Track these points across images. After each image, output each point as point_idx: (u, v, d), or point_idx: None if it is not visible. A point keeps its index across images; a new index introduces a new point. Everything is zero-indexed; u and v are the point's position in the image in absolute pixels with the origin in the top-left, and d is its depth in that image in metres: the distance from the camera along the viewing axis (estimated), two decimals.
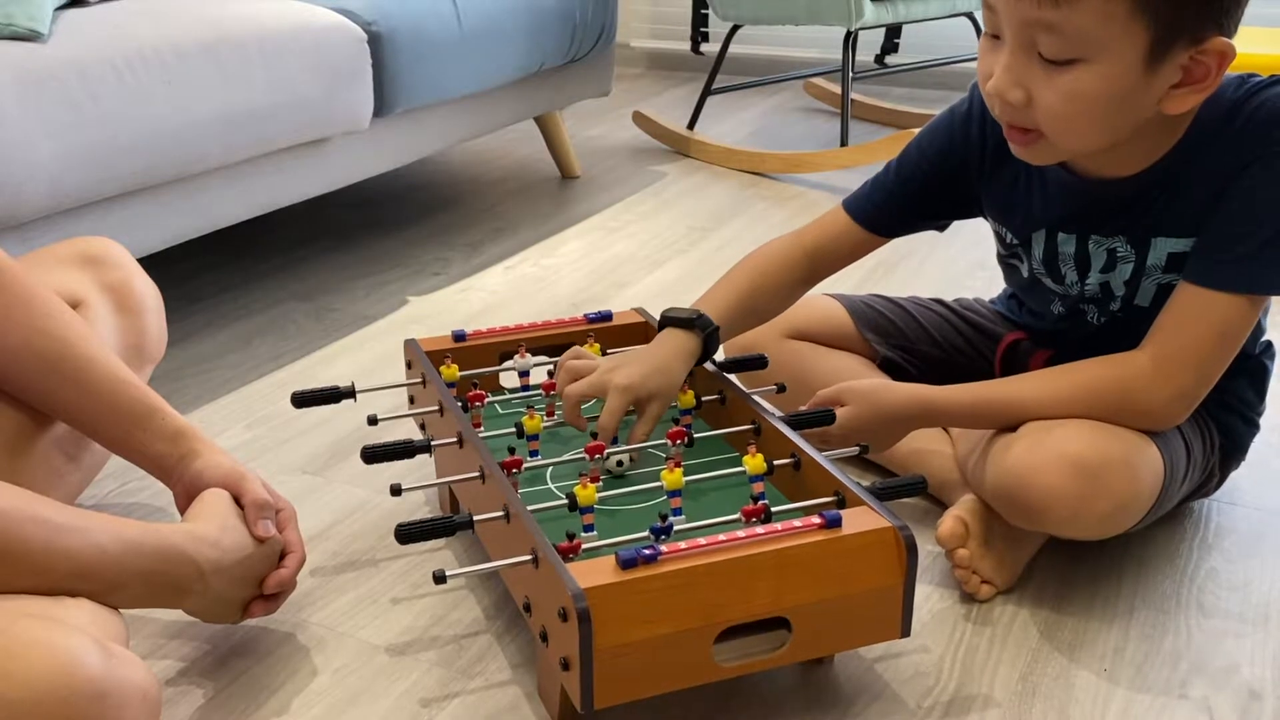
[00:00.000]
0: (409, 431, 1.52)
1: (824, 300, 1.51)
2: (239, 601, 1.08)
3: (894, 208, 1.34)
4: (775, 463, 1.15)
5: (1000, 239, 1.33)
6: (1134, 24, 1.01)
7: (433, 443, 1.24)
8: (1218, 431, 1.28)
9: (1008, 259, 1.34)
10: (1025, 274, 1.31)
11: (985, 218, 1.34)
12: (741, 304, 1.33)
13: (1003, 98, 1.08)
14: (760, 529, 1.00)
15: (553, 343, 1.43)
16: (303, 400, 1.31)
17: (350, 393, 1.32)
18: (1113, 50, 1.02)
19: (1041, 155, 1.14)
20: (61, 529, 0.93)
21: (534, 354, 1.41)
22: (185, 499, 1.12)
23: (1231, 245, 1.12)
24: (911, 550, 1.00)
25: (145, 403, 1.13)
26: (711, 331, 1.26)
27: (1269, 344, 1.33)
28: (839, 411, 1.25)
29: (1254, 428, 1.33)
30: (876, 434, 1.26)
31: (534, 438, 1.24)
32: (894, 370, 1.46)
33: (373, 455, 1.19)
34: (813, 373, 1.42)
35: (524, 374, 1.38)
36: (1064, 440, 1.13)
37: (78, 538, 0.94)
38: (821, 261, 1.36)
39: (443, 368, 1.33)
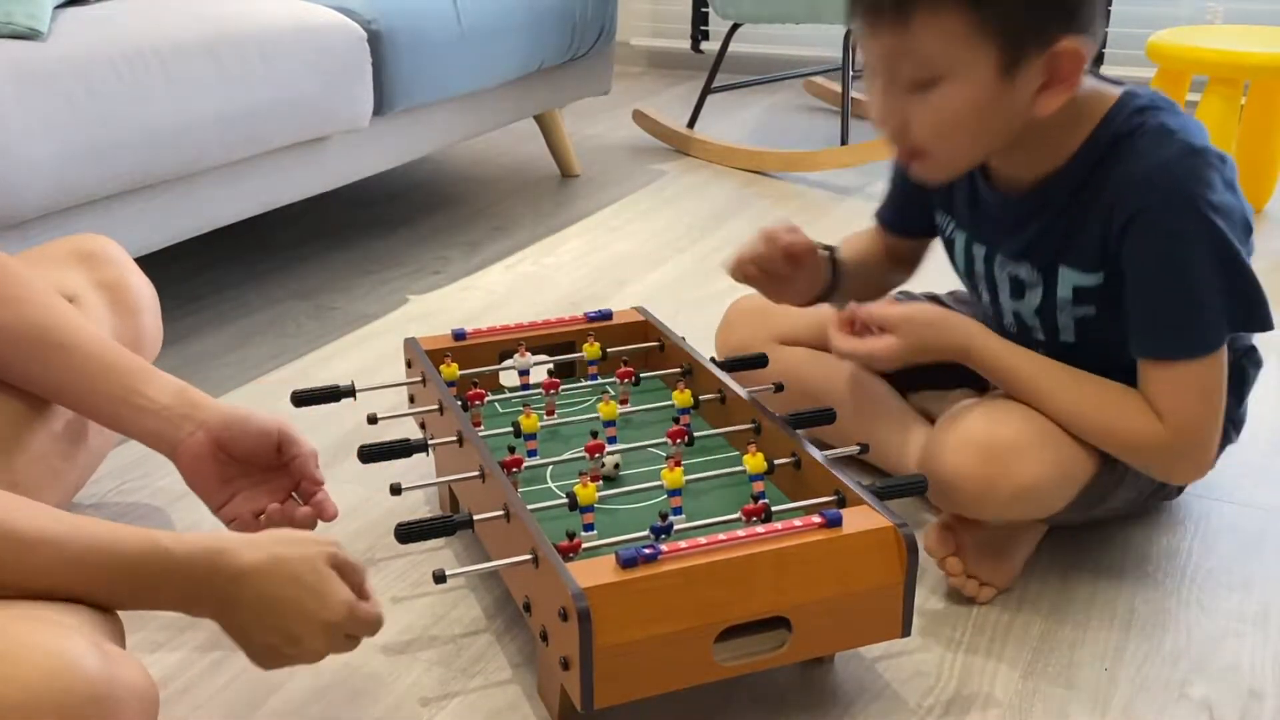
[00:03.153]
0: (409, 430, 1.52)
1: (818, 307, 1.51)
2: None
3: (895, 205, 1.40)
4: (775, 462, 1.15)
5: (943, 239, 1.35)
6: (976, 41, 1.05)
7: (430, 442, 1.24)
8: None
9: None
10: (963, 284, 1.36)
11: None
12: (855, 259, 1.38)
13: (882, 126, 1.14)
14: (760, 528, 1.00)
15: (553, 341, 1.43)
16: (303, 399, 1.31)
17: (350, 391, 1.32)
18: (966, 67, 1.07)
19: (932, 172, 1.18)
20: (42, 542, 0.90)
21: (534, 353, 1.41)
22: (205, 446, 1.10)
23: (1164, 317, 1.13)
24: (912, 549, 1.00)
25: (143, 364, 1.12)
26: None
27: (1253, 349, 1.30)
28: (885, 341, 1.20)
29: (1224, 434, 1.29)
30: (908, 359, 1.22)
31: (531, 437, 1.23)
32: (888, 373, 1.45)
33: (369, 455, 1.19)
34: (808, 378, 1.42)
35: (524, 373, 1.38)
36: (972, 422, 1.17)
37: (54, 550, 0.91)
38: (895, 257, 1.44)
39: (442, 366, 1.33)
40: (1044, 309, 1.22)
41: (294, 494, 1.16)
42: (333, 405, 1.52)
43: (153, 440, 1.12)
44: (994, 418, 1.17)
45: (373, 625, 0.98)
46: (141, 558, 0.89)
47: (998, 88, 1.07)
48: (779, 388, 1.34)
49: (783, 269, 1.27)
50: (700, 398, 1.29)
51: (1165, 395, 1.14)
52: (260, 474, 1.14)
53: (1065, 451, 1.17)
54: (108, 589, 0.90)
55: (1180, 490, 1.36)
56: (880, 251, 1.44)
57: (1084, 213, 1.16)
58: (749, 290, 1.36)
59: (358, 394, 1.33)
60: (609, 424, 1.27)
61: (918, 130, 1.11)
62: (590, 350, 1.39)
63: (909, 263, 1.44)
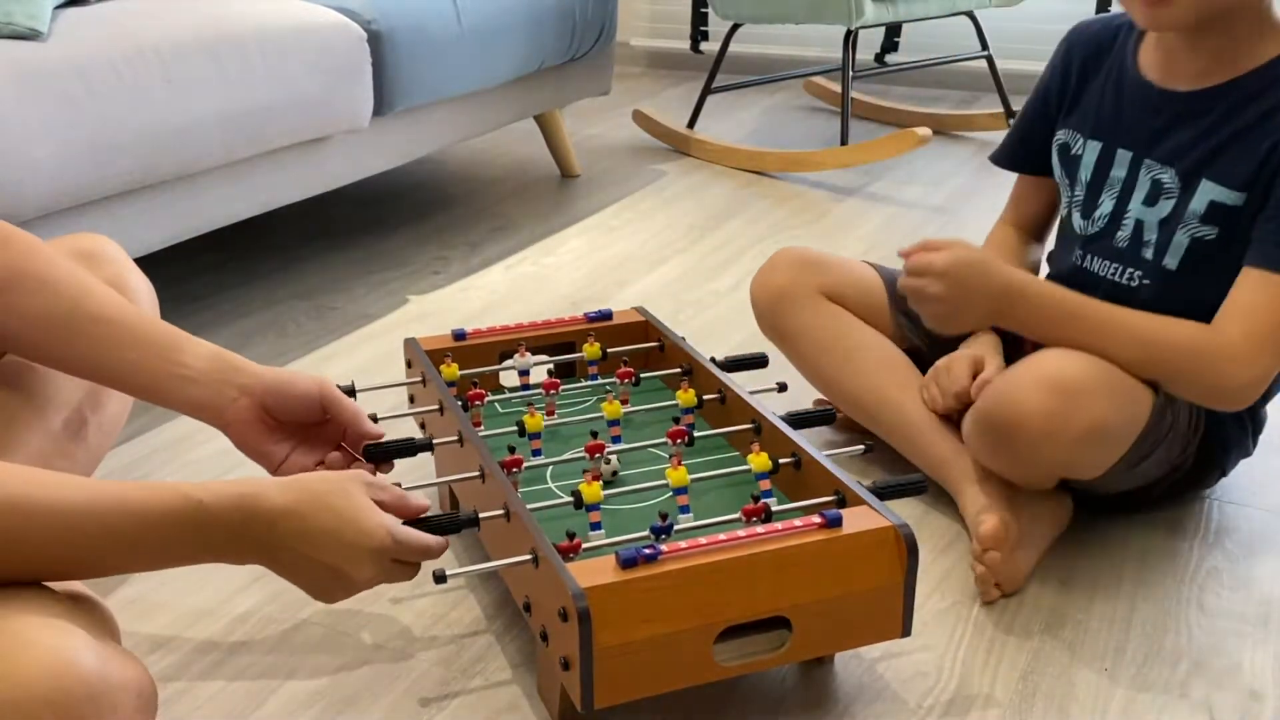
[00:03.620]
0: (409, 430, 1.51)
1: (863, 268, 1.50)
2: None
3: (1017, 143, 1.45)
4: (780, 461, 1.14)
5: (1063, 160, 1.35)
6: None
7: (433, 441, 1.24)
8: (1205, 413, 1.27)
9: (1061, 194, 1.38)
10: (1064, 208, 1.36)
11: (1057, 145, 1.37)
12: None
13: None
14: (760, 528, 1.00)
15: (553, 341, 1.43)
16: None
17: (350, 391, 1.32)
18: None
19: (1170, 17, 1.16)
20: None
21: (534, 353, 1.40)
22: (252, 412, 1.10)
23: None
24: (912, 550, 1.00)
25: (175, 331, 1.11)
26: None
27: None
28: (936, 256, 1.21)
29: (1244, 433, 1.32)
30: (960, 296, 1.22)
31: (535, 436, 1.23)
32: (916, 359, 1.44)
33: (375, 454, 1.19)
34: (840, 342, 1.43)
35: (524, 373, 1.38)
36: (1048, 360, 1.17)
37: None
38: (1027, 223, 1.45)
39: (443, 366, 1.33)
40: (1168, 220, 1.23)
41: (344, 445, 1.17)
42: None
43: (196, 410, 1.11)
44: (1062, 358, 1.17)
45: (421, 548, 1.00)
46: (176, 516, 0.90)
47: None
48: (783, 387, 1.34)
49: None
50: (703, 397, 1.29)
51: (1255, 304, 1.15)
52: (308, 429, 1.15)
53: (1128, 393, 1.18)
54: (147, 553, 0.91)
55: (1208, 482, 1.36)
56: (1013, 246, 1.44)
57: (1251, 129, 1.17)
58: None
59: (358, 394, 1.32)
60: (613, 423, 1.26)
61: None
62: (590, 350, 1.39)
63: (1042, 224, 1.46)
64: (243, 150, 1.77)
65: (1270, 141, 1.16)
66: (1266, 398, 1.30)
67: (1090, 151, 1.31)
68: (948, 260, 1.21)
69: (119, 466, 1.47)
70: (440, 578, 1.00)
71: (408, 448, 1.20)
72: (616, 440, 1.26)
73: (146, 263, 1.40)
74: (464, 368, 1.36)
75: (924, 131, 2.59)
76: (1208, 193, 1.20)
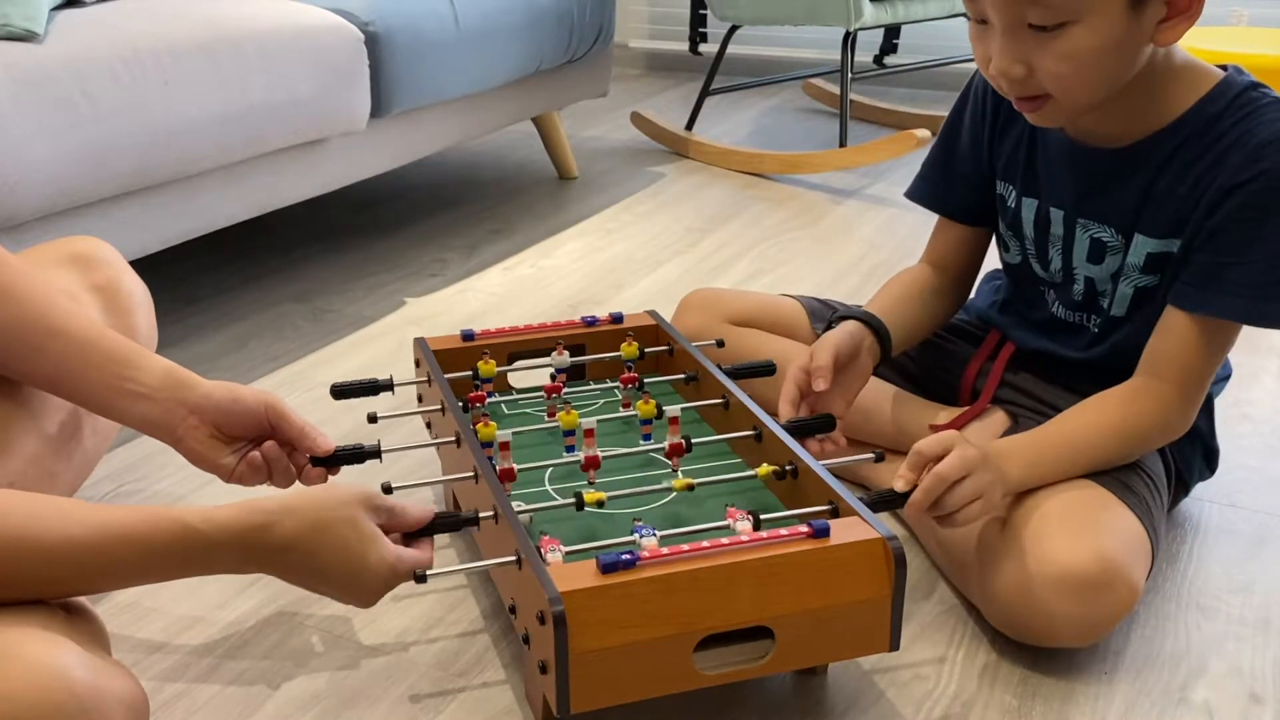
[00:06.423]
0: (415, 428, 1.51)
1: (777, 297, 1.54)
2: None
3: (939, 175, 1.39)
4: (781, 468, 1.14)
5: (1002, 211, 1.33)
6: None
7: (389, 448, 1.22)
8: (1177, 460, 1.28)
9: (1004, 242, 1.35)
10: (1018, 258, 1.33)
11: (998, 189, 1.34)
12: (889, 308, 1.34)
13: (1006, 76, 1.10)
14: (745, 536, 0.98)
15: (553, 344, 1.42)
16: (342, 392, 1.31)
17: (389, 385, 1.33)
18: (1097, 4, 1.05)
19: (1054, 117, 1.16)
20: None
21: (538, 355, 1.40)
22: (203, 430, 1.11)
23: (1230, 275, 1.13)
24: (900, 563, 0.97)
25: (131, 347, 1.12)
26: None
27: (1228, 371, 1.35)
28: (964, 486, 1.09)
29: (1211, 458, 1.34)
30: (989, 494, 1.11)
31: (488, 445, 1.21)
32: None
33: (320, 462, 1.16)
34: (759, 353, 1.43)
35: (561, 371, 1.37)
36: (1061, 560, 1.07)
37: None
38: (950, 268, 1.39)
39: (481, 364, 1.33)
40: (1117, 274, 1.22)
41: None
42: (330, 407, 1.52)
43: (148, 427, 1.12)
44: (1076, 549, 1.08)
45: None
46: (179, 549, 0.93)
47: (1124, 23, 1.06)
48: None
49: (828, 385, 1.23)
50: (662, 409, 1.28)
51: (1190, 350, 1.14)
52: (259, 438, 1.16)
53: (1128, 525, 1.13)
54: (150, 578, 0.96)
55: (1185, 493, 1.36)
56: (925, 284, 1.39)
57: (1179, 178, 1.15)
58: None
59: (396, 387, 1.34)
60: (568, 433, 1.23)
61: (1044, 75, 1.08)
62: (628, 350, 1.38)
63: (965, 270, 1.40)
64: (240, 152, 1.77)
65: (1194, 186, 1.14)
66: (1209, 414, 1.32)
67: (1027, 209, 1.29)
68: (974, 495, 1.09)
69: (115, 470, 1.47)
70: (420, 578, 1.01)
71: (355, 455, 1.19)
72: (570, 450, 1.23)
73: (143, 265, 1.40)
74: (469, 369, 1.35)
75: (923, 133, 2.59)
76: (1144, 246, 1.19)
